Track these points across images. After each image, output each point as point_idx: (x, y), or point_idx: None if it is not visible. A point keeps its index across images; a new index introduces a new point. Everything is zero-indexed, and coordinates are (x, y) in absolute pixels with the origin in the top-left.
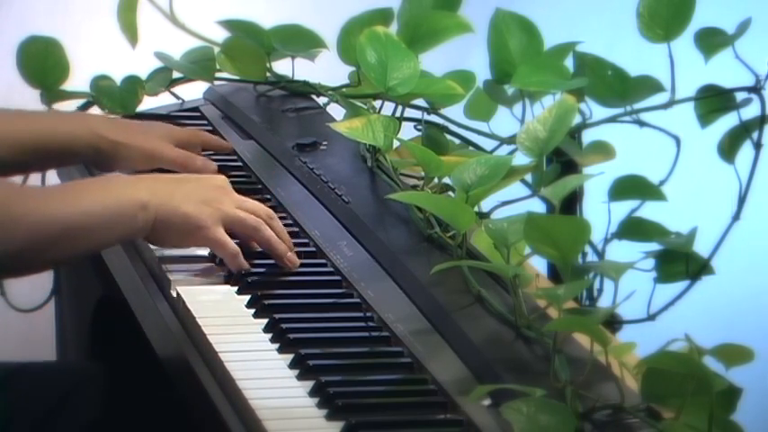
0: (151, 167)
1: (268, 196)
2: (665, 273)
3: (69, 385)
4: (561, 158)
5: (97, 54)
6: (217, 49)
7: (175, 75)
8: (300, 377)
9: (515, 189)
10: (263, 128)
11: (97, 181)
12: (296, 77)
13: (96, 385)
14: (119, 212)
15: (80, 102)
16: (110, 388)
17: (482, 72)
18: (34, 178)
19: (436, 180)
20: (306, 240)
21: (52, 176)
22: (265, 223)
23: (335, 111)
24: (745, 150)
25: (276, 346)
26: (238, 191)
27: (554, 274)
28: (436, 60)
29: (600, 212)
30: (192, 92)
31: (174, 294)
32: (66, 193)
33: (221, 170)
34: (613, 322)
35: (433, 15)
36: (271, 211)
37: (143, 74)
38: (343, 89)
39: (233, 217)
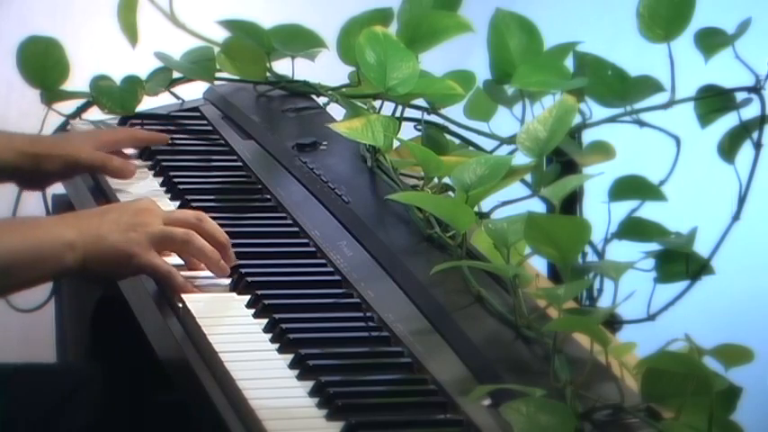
0: (74, 173)
1: (268, 196)
2: (665, 273)
3: (69, 386)
4: (561, 158)
5: (97, 54)
6: (217, 49)
7: (175, 75)
8: (300, 377)
9: (515, 189)
10: (263, 128)
11: (25, 221)
12: (296, 77)
13: (96, 386)
14: (45, 252)
15: (80, 102)
16: (110, 388)
17: (482, 72)
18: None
19: (436, 180)
20: (306, 240)
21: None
22: (196, 227)
23: (335, 111)
24: (745, 150)
25: (276, 346)
26: (238, 191)
27: (554, 274)
28: (436, 60)
29: (600, 212)
30: (192, 92)
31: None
32: None
33: (221, 170)
34: (613, 322)
35: (433, 15)
36: (200, 213)
37: (143, 74)
38: (343, 89)
39: (160, 235)
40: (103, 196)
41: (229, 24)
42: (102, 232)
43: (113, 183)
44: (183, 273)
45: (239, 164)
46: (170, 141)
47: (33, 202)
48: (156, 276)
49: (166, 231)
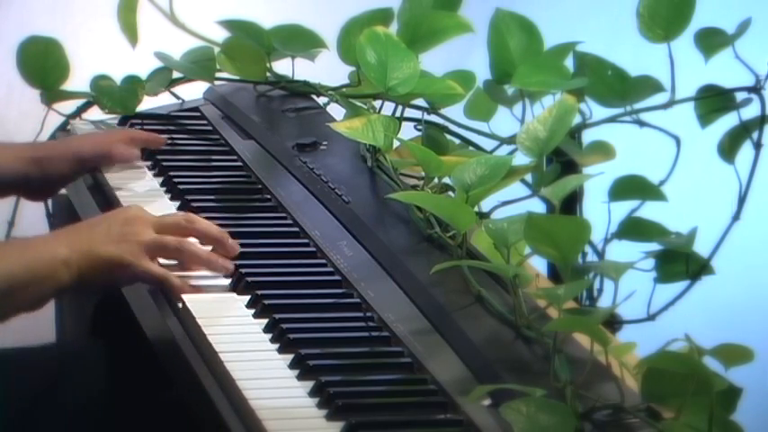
0: (80, 169)
1: (268, 196)
2: (665, 273)
3: (66, 365)
4: (561, 158)
5: (97, 54)
6: (217, 49)
7: (175, 75)
8: (300, 377)
9: (515, 189)
10: (263, 128)
11: (16, 243)
12: (296, 77)
13: (95, 365)
14: (41, 272)
15: (80, 102)
16: (108, 379)
17: (482, 72)
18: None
19: (436, 180)
20: (306, 240)
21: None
22: (187, 231)
23: (335, 111)
24: (745, 150)
25: (276, 346)
26: (238, 191)
27: (554, 274)
28: (436, 60)
29: (600, 212)
30: (192, 92)
31: None
32: None
33: (221, 170)
34: (613, 322)
35: (433, 15)
36: (189, 214)
37: (143, 74)
38: (343, 89)
39: (153, 244)
40: (103, 195)
41: (229, 24)
42: (93, 245)
43: (113, 182)
44: (181, 273)
45: (239, 164)
46: (170, 141)
47: (33, 204)
48: (153, 282)
49: (158, 240)
